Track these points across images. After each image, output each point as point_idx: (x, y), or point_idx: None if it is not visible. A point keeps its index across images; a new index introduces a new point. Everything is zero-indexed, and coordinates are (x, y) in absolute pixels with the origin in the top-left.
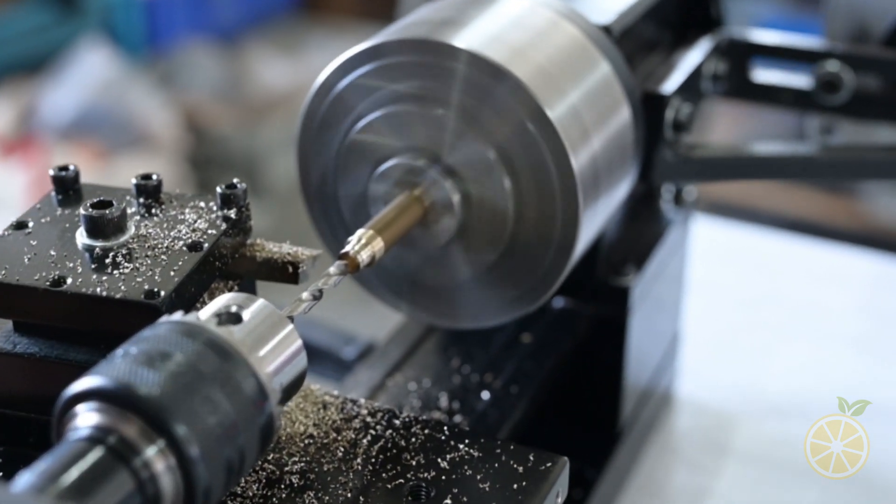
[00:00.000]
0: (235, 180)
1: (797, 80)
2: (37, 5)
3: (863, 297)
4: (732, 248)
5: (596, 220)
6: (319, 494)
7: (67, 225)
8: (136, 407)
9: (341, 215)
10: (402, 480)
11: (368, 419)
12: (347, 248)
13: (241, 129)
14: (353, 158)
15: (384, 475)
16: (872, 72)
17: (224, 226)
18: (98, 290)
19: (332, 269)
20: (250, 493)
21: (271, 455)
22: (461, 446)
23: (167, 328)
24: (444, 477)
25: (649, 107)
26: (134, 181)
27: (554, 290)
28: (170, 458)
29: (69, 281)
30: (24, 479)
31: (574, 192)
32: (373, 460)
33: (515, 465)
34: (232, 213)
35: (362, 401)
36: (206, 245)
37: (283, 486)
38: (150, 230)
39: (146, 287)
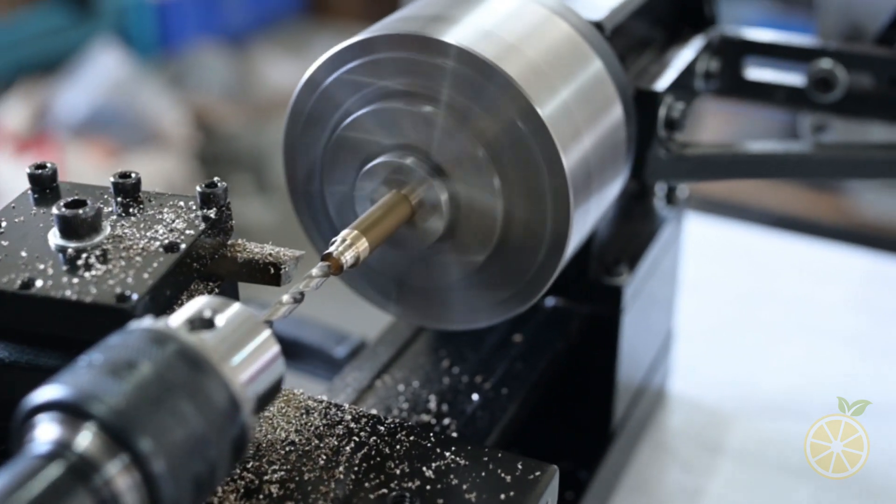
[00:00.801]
0: (216, 179)
1: (790, 78)
2: (52, 8)
3: (854, 293)
4: (722, 245)
5: (588, 219)
6: None
7: (41, 225)
8: (97, 420)
9: (327, 213)
10: (385, 490)
11: (352, 425)
12: (331, 249)
13: (249, 128)
14: (339, 156)
15: (367, 484)
16: (865, 70)
17: (203, 226)
18: (68, 293)
19: (314, 271)
20: None
21: (250, 463)
22: (447, 454)
23: (135, 335)
24: (428, 486)
25: (642, 104)
26: (111, 179)
27: (545, 291)
28: (134, 474)
29: (39, 283)
30: None
31: (565, 191)
32: (356, 468)
33: (503, 474)
34: (212, 213)
35: (346, 406)
36: (182, 246)
37: (262, 497)
38: (125, 230)
39: (118, 290)
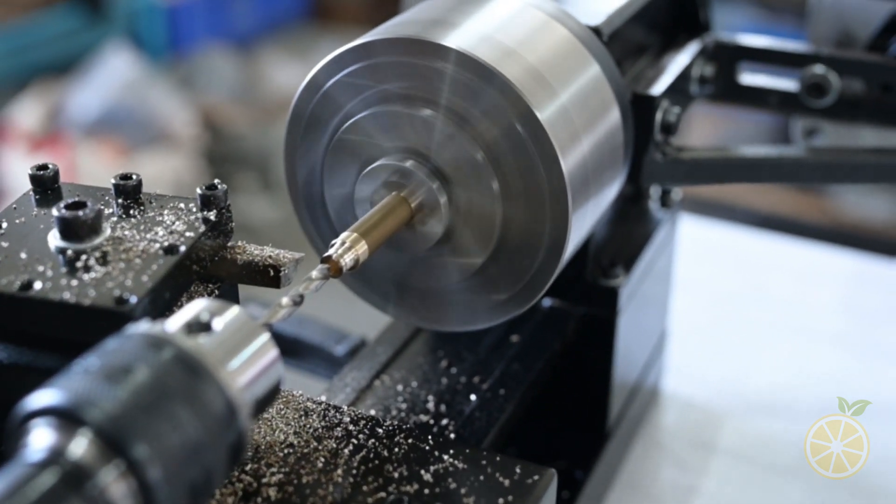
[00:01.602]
0: (216, 181)
1: (784, 83)
2: (66, 11)
3: (840, 293)
4: (710, 245)
5: (585, 222)
6: None
7: (42, 226)
8: (92, 426)
9: (328, 216)
10: (384, 494)
11: (351, 427)
12: (330, 252)
13: (255, 128)
14: (339, 158)
15: (365, 488)
16: (857, 76)
17: (202, 228)
18: (66, 295)
19: (314, 274)
20: None
21: (249, 465)
22: (446, 457)
23: (131, 339)
24: (427, 490)
25: (638, 108)
26: (112, 181)
27: (543, 293)
28: (129, 481)
29: (38, 285)
30: None
31: (563, 194)
32: (354, 471)
33: (501, 478)
34: (212, 215)
35: (345, 408)
36: (182, 248)
37: (260, 500)
38: (125, 232)
39: (117, 293)
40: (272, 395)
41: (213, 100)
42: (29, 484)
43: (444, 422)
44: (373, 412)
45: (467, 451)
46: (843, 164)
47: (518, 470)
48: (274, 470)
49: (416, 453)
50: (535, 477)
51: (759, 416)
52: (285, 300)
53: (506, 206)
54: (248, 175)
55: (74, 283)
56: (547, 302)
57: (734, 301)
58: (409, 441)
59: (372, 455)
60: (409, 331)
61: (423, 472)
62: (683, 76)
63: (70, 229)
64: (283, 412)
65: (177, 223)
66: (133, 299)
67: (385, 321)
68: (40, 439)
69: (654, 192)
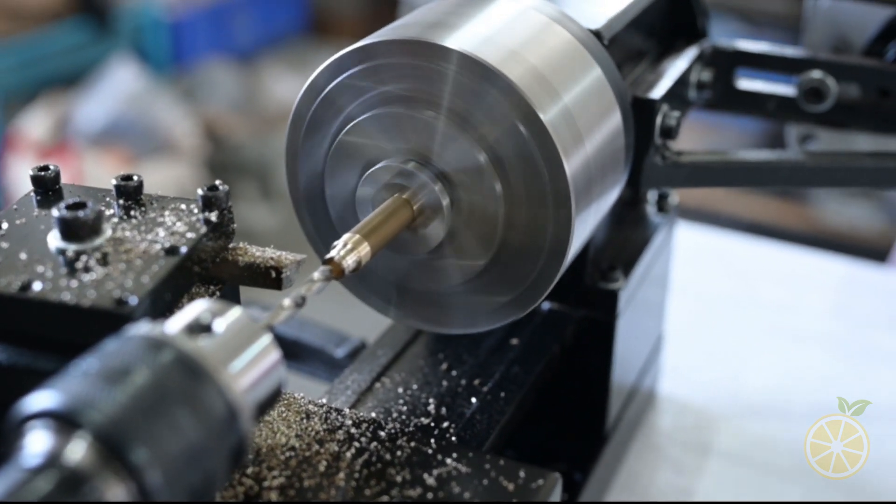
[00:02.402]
0: (217, 182)
1: (781, 88)
2: (74, 26)
3: (832, 297)
4: (700, 249)
5: (587, 225)
6: None
7: (42, 227)
8: (90, 428)
9: (329, 219)
10: (386, 497)
11: (353, 430)
12: (332, 254)
13: (255, 138)
14: (341, 160)
15: (368, 492)
16: (855, 80)
17: (204, 229)
18: (66, 296)
19: (315, 275)
20: None
21: (250, 469)
22: (448, 461)
23: (131, 341)
24: (430, 494)
25: (638, 112)
26: (114, 182)
27: (544, 296)
28: (128, 486)
29: (37, 286)
30: None
31: (567, 197)
32: (356, 475)
33: (505, 482)
34: (213, 217)
35: (347, 410)
36: (183, 249)
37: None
38: (126, 233)
39: (117, 294)
40: (274, 397)
41: (214, 111)
42: (24, 489)
43: (445, 424)
44: (373, 415)
45: (470, 454)
46: (842, 167)
47: (522, 474)
48: (275, 473)
49: (419, 457)
50: (540, 481)
51: (754, 418)
52: (287, 302)
53: (508, 208)
54: (248, 184)
55: (74, 283)
56: (546, 305)
57: (727, 305)
58: (412, 444)
59: (374, 458)
60: (409, 333)
61: (426, 475)
62: (682, 81)
63: (70, 230)
64: (284, 415)
65: (178, 224)
66: (133, 300)
67: (385, 324)
68: (37, 442)
69: (651, 196)
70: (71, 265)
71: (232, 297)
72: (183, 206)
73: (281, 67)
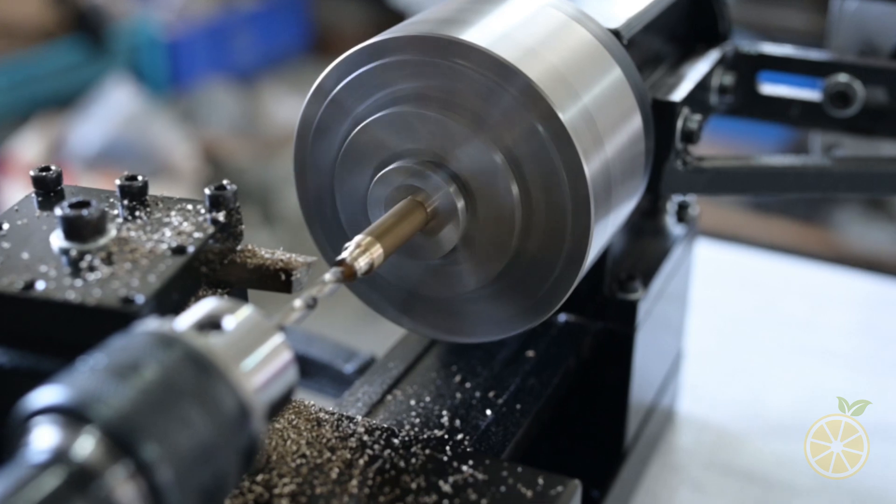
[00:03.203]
0: (224, 181)
1: (806, 93)
2: (68, 45)
3: (856, 315)
4: (720, 266)
5: (606, 232)
6: None
7: (45, 227)
8: (99, 424)
9: (339, 224)
10: None
11: (365, 438)
12: (344, 255)
13: (256, 162)
14: (351, 163)
15: (382, 499)
16: (883, 84)
17: (212, 229)
18: (71, 295)
19: (327, 276)
20: None
21: (260, 476)
22: (465, 468)
23: (139, 337)
24: (446, 501)
25: (659, 116)
26: (118, 182)
27: (561, 305)
28: (138, 483)
29: (41, 285)
30: None
31: (586, 201)
32: (370, 482)
33: (523, 490)
34: (221, 217)
35: (359, 418)
36: (190, 249)
37: None
38: (131, 233)
39: (123, 293)
40: (286, 398)
41: (214, 133)
42: (31, 485)
43: (460, 436)
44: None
45: (487, 461)
46: (869, 174)
47: (541, 481)
48: (286, 480)
49: (434, 464)
50: (559, 488)
51: (776, 437)
52: (298, 303)
53: (525, 212)
54: (249, 208)
55: (79, 283)
56: (563, 317)
57: (748, 322)
58: (427, 452)
59: (388, 466)
60: (421, 345)
61: (441, 482)
62: (703, 85)
63: (74, 229)
64: (294, 422)
65: (184, 224)
66: (140, 299)
67: (391, 340)
68: (43, 438)
69: (671, 207)
70: (75, 265)
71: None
72: (189, 207)
73: (283, 88)
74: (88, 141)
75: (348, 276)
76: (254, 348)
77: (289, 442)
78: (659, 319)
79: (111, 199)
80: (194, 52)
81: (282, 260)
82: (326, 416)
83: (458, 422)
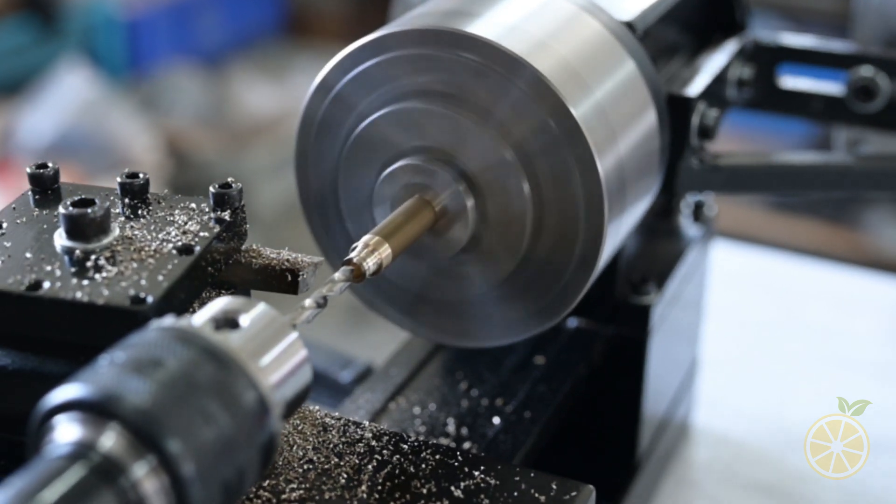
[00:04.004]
0: (230, 179)
1: (828, 87)
2: (15, 25)
3: (885, 322)
4: (741, 271)
5: (620, 232)
6: None
7: (45, 226)
8: (123, 419)
9: (343, 224)
10: None
11: (373, 443)
12: (352, 255)
13: (225, 155)
14: (355, 162)
15: None
16: None
17: (217, 228)
18: (79, 294)
19: (337, 276)
20: None
21: (267, 482)
22: (476, 473)
23: (157, 333)
24: None
25: (674, 111)
26: (119, 180)
27: (572, 307)
28: (162, 477)
29: (46, 285)
30: None
31: (599, 199)
32: (379, 487)
33: (536, 495)
34: (226, 215)
35: (366, 423)
36: (197, 248)
37: None
38: (136, 232)
39: (132, 292)
40: (302, 396)
41: (178, 123)
42: (59, 477)
43: (467, 445)
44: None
45: (499, 466)
46: (893, 171)
47: (554, 486)
48: (294, 486)
49: (445, 469)
50: (573, 493)
51: (797, 451)
52: (308, 302)
53: (536, 211)
54: None
55: (85, 282)
56: (573, 322)
57: (769, 330)
58: (437, 457)
59: (397, 471)
60: (424, 351)
61: (452, 488)
62: (720, 79)
63: (78, 228)
64: (300, 427)
65: (189, 223)
66: (150, 299)
67: (386, 347)
68: (67, 434)
69: (686, 207)
70: (80, 264)
71: None
72: (193, 205)
73: (254, 73)
74: (39, 131)
75: (356, 277)
76: (271, 345)
77: (295, 447)
78: (673, 325)
79: (112, 197)
80: (156, 32)
81: (288, 260)
82: (332, 422)
83: (464, 430)
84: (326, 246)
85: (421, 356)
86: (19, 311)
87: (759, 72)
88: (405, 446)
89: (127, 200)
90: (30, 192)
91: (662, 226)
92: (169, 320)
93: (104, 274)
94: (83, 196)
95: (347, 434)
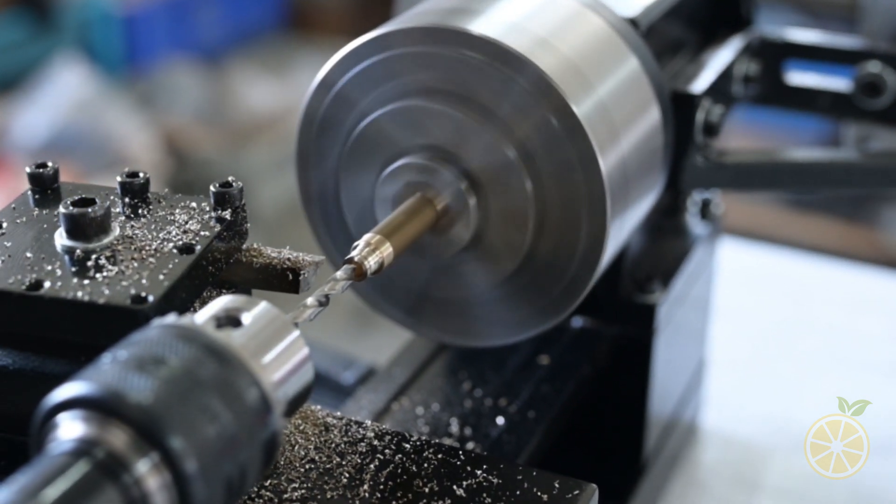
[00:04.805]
0: (231, 178)
1: (835, 83)
2: (10, 20)
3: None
4: (753, 270)
5: (623, 230)
6: None
7: (45, 226)
8: (126, 416)
9: (344, 223)
10: None
11: (376, 442)
12: (353, 254)
13: (225, 153)
14: (357, 160)
15: (394, 503)
16: None
17: (218, 227)
18: (80, 294)
19: (339, 274)
20: None
21: (268, 481)
22: (479, 472)
23: (159, 331)
24: None
25: (678, 108)
26: (119, 179)
27: (575, 306)
28: (164, 474)
29: (47, 285)
30: (0, 496)
31: (602, 197)
32: (381, 487)
33: (539, 493)
34: (227, 214)
35: (368, 423)
36: (198, 247)
37: None
38: (136, 231)
39: (133, 291)
40: (304, 394)
41: (176, 120)
42: (63, 472)
43: (471, 445)
44: None
45: (502, 465)
46: None
47: (557, 485)
48: (295, 486)
49: (447, 468)
50: (576, 492)
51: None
52: (310, 300)
53: (538, 209)
54: None
55: (86, 282)
56: (578, 322)
57: (779, 330)
58: (439, 456)
59: (400, 470)
60: (427, 351)
61: (455, 487)
62: (726, 75)
63: (78, 227)
64: (301, 427)
65: (190, 222)
66: (151, 298)
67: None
68: (70, 431)
69: (693, 205)
70: (81, 263)
71: None
72: (193, 204)
73: (254, 69)
74: (34, 129)
75: (358, 276)
76: (273, 343)
77: (297, 447)
78: (680, 324)
79: (112, 197)
80: (153, 27)
81: (289, 259)
82: (334, 421)
83: (468, 430)
84: (327, 244)
85: (424, 356)
86: (20, 311)
87: (766, 68)
88: (407, 445)
89: (127, 200)
90: (29, 192)
91: (668, 224)
92: (171, 318)
93: (105, 273)
94: (83, 195)
95: (349, 433)
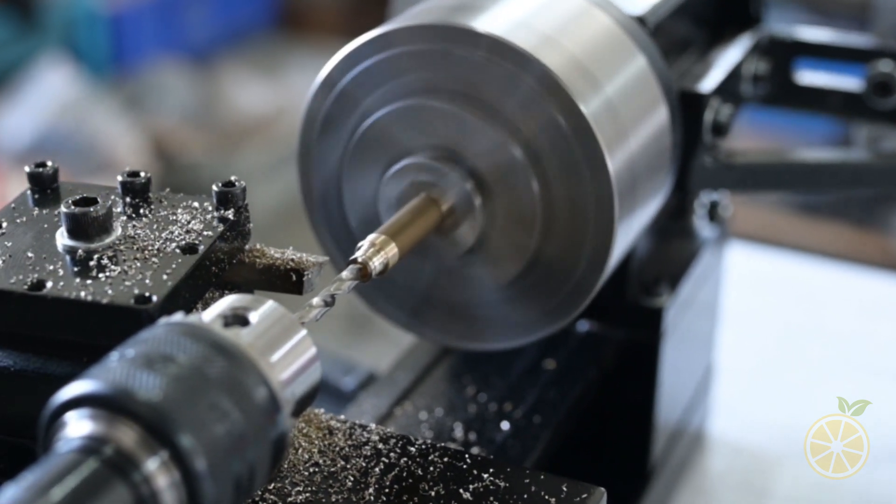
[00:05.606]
0: (233, 178)
1: (846, 82)
2: None
3: None
4: (763, 275)
5: (631, 232)
6: None
7: (46, 225)
8: (135, 414)
9: (347, 224)
10: None
11: (380, 446)
12: (358, 254)
13: (215, 157)
14: (360, 160)
15: None
16: None
17: (221, 227)
18: (82, 294)
19: (345, 274)
20: None
21: (272, 485)
22: (485, 476)
23: (167, 329)
24: None
25: (686, 107)
26: (120, 178)
27: (582, 309)
28: (173, 472)
29: (49, 285)
30: (9, 493)
31: (609, 198)
32: (386, 490)
33: (547, 497)
34: (229, 214)
35: (372, 426)
36: (201, 247)
37: None
38: (138, 231)
39: (136, 291)
40: (312, 394)
41: (164, 123)
42: (72, 470)
43: (475, 450)
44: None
45: (508, 469)
46: None
47: (565, 488)
48: (299, 489)
49: (453, 472)
50: (584, 496)
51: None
52: (316, 300)
53: (545, 210)
54: None
55: (89, 282)
56: (584, 326)
57: (790, 336)
58: (445, 460)
59: (405, 474)
60: (430, 356)
61: (461, 490)
62: (734, 74)
63: (80, 227)
64: (305, 431)
65: (192, 222)
66: (155, 298)
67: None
68: (79, 429)
69: (700, 207)
70: (83, 263)
71: None
72: (196, 204)
73: (245, 70)
74: (17, 132)
75: (363, 277)
76: (281, 342)
77: (300, 450)
78: (687, 328)
79: (113, 197)
80: (141, 27)
81: (292, 260)
82: (338, 425)
83: (472, 435)
84: (329, 245)
85: (427, 360)
86: (22, 311)
87: (775, 67)
88: (412, 449)
89: (128, 199)
90: (28, 192)
91: (676, 226)
92: (178, 316)
93: (107, 273)
94: (84, 195)
95: (354, 437)
